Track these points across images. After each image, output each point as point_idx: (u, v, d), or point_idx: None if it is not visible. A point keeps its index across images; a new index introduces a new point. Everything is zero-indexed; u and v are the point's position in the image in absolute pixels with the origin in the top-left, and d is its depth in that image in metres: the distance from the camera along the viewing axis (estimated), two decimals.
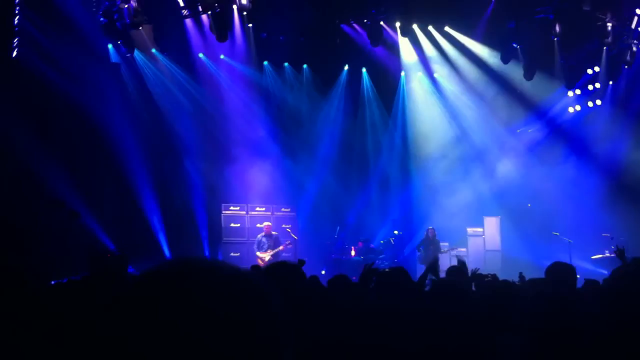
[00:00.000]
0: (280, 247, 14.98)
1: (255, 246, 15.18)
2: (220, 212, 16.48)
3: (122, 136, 15.28)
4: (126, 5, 14.06)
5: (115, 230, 14.55)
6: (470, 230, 17.91)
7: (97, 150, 14.43)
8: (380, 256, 16.51)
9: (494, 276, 7.69)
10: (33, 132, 13.51)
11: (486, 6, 16.50)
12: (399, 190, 18.77)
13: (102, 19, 14.34)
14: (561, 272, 4.93)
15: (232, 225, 16.50)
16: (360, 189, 18.43)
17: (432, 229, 16.35)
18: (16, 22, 13.55)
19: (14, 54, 13.50)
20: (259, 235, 15.35)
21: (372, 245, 17.05)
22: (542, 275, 5.19)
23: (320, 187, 17.46)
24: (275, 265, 3.91)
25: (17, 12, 13.55)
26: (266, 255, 14.81)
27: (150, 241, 15.22)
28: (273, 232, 15.28)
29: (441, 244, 16.72)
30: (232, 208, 16.71)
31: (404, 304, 4.08)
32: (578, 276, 5.63)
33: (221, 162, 16.59)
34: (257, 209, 16.91)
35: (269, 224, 15.50)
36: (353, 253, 16.69)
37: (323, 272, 15.32)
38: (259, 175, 16.86)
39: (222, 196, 16.72)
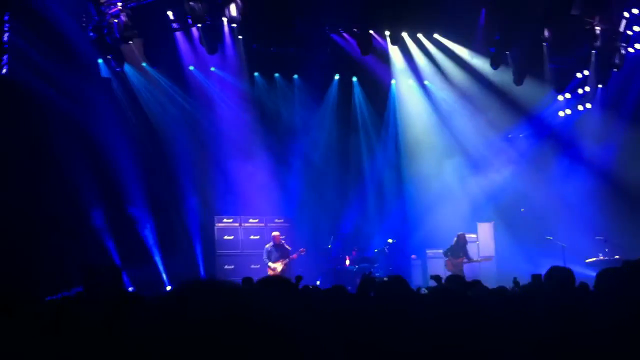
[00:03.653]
0: (294, 256, 14.94)
1: (264, 256, 15.15)
2: (214, 225, 16.41)
3: (114, 150, 15.25)
4: (116, 20, 14.06)
5: (108, 243, 14.51)
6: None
7: (90, 164, 14.37)
8: (375, 265, 16.45)
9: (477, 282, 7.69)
10: (26, 147, 13.49)
11: (475, 13, 16.57)
12: (393, 198, 18.76)
13: (91, 34, 14.33)
14: (560, 277, 4.93)
15: (226, 237, 16.40)
16: (354, 198, 18.39)
17: (463, 234, 15.88)
18: (6, 38, 13.51)
19: (4, 70, 13.46)
20: (267, 245, 15.33)
21: (366, 254, 17.00)
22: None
23: (314, 197, 17.44)
24: (267, 280, 3.93)
25: (6, 28, 13.51)
26: (278, 265, 14.78)
27: (144, 254, 15.16)
28: (282, 242, 15.26)
29: (435, 251, 16.70)
30: (225, 220, 16.63)
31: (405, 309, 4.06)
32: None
33: (214, 174, 16.56)
34: (251, 220, 16.83)
35: (278, 233, 15.46)
36: (348, 262, 16.65)
37: (318, 282, 15.27)
38: (252, 187, 16.81)
39: (215, 208, 16.66)
